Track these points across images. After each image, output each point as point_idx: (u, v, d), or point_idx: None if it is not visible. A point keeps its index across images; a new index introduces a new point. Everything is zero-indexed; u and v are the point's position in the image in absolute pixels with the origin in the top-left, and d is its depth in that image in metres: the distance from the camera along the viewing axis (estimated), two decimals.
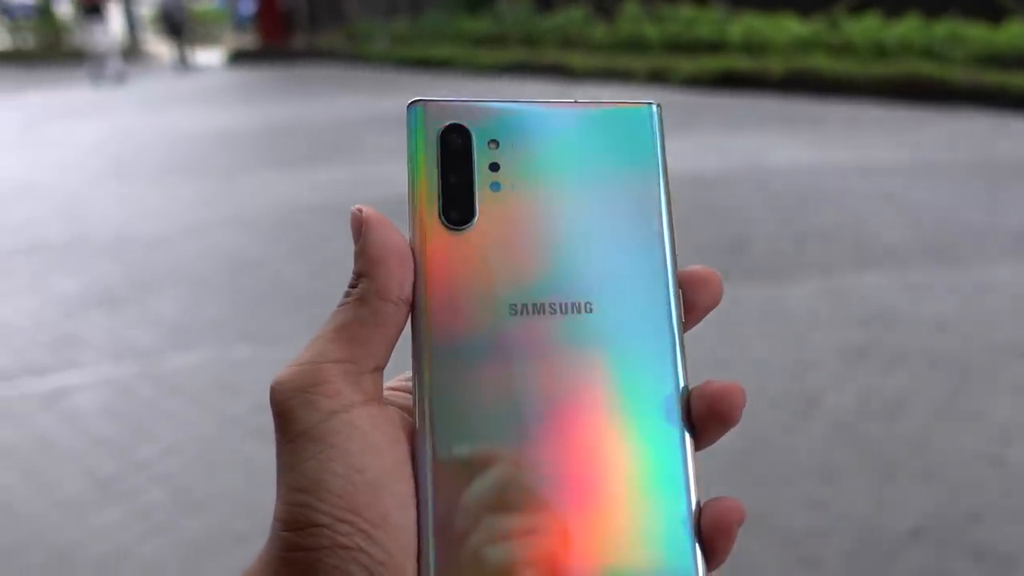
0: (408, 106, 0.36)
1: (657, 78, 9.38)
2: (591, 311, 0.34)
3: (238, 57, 16.17)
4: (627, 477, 0.33)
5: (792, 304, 3.05)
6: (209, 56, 16.84)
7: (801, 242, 3.74)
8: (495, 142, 0.36)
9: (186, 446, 2.22)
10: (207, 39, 20.29)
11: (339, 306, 0.34)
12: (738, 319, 2.89)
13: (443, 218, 0.35)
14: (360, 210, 0.35)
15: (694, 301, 0.36)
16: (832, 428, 2.20)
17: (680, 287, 0.36)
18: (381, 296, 0.33)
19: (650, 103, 0.38)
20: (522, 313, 0.34)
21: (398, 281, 0.33)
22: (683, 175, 4.95)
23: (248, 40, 19.02)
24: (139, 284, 3.48)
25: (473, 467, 0.32)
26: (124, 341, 2.91)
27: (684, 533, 0.33)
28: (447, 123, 0.36)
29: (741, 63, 9.04)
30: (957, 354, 2.60)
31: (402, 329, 0.34)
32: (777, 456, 2.09)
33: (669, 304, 0.35)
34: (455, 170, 0.35)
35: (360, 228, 0.34)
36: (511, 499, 0.32)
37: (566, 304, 0.34)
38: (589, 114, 0.37)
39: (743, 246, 3.70)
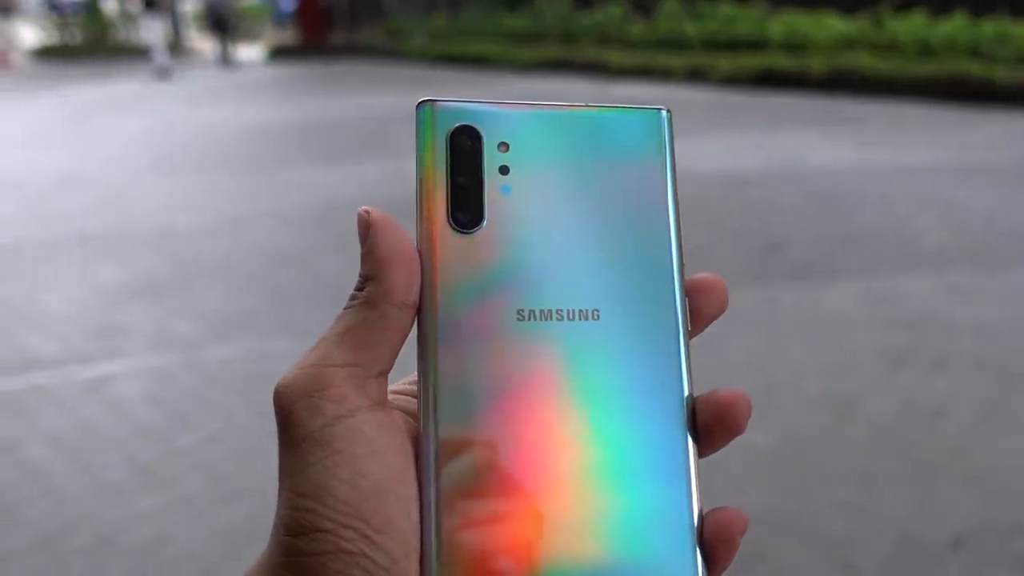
0: (417, 106, 0.36)
1: (695, 76, 9.32)
2: (597, 318, 0.34)
3: (278, 53, 16.34)
4: (631, 484, 0.33)
5: (831, 306, 3.02)
6: (249, 52, 17.04)
7: (841, 243, 3.70)
8: (505, 145, 0.35)
9: (225, 435, 2.25)
10: (248, 35, 20.53)
11: (345, 309, 0.34)
12: (776, 320, 2.86)
13: (451, 221, 0.34)
14: (367, 212, 0.34)
15: (700, 309, 0.36)
16: (871, 432, 2.17)
17: (686, 295, 0.36)
18: (389, 300, 0.33)
19: (660, 108, 0.37)
20: (529, 319, 0.34)
21: (405, 285, 0.33)
22: (721, 174, 4.92)
23: (288, 36, 19.21)
24: (181, 275, 3.54)
25: (477, 472, 0.32)
26: (166, 331, 2.96)
27: (686, 541, 0.33)
28: (457, 124, 0.35)
29: (781, 61, 8.94)
30: (1000, 359, 2.55)
31: (408, 333, 0.34)
32: (815, 459, 2.07)
33: (675, 312, 0.35)
34: (464, 172, 0.35)
35: (367, 230, 0.34)
36: (515, 504, 0.32)
37: (572, 311, 0.34)
38: (599, 118, 0.37)
39: (781, 246, 3.67)
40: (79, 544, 1.83)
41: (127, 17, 19.52)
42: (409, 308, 0.33)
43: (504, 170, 0.35)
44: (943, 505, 1.87)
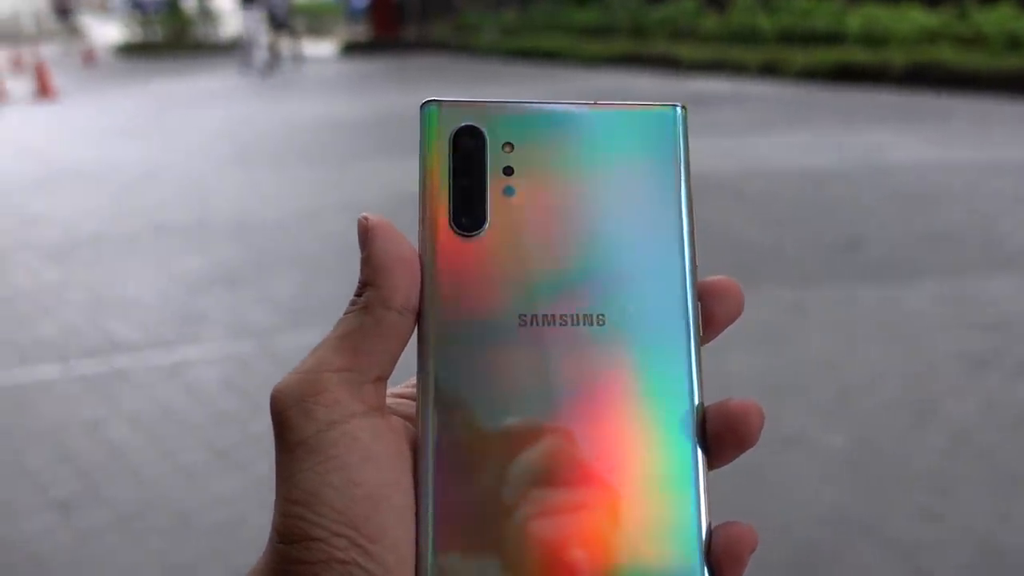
0: (421, 106, 0.35)
1: (770, 71, 9.14)
2: (602, 324, 0.33)
3: (350, 49, 16.59)
4: (636, 496, 0.32)
5: (911, 306, 2.93)
6: (322, 48, 17.34)
7: (922, 242, 3.58)
8: (510, 145, 0.34)
9: None
10: (321, 31, 20.89)
11: (344, 314, 0.33)
12: (853, 320, 2.79)
13: (453, 224, 0.34)
14: (366, 218, 0.34)
15: (713, 313, 0.34)
16: (950, 437, 2.10)
17: (699, 299, 0.35)
18: (386, 305, 0.33)
19: (674, 104, 0.36)
20: (531, 324, 0.33)
21: (404, 290, 0.33)
22: (797, 170, 4.81)
23: (361, 32, 19.50)
24: (257, 265, 3.63)
25: (476, 479, 0.32)
26: (243, 319, 3.04)
27: (693, 556, 0.32)
28: (460, 124, 0.34)
29: (859, 55, 8.70)
30: None
31: (408, 339, 0.33)
32: (890, 463, 2.01)
33: (686, 317, 0.34)
34: (467, 174, 0.34)
35: (366, 236, 0.34)
36: (515, 515, 0.32)
37: (576, 316, 0.33)
38: (609, 116, 0.35)
39: (859, 245, 3.57)
40: (157, 523, 1.89)
41: (206, 14, 20.07)
42: (409, 313, 0.33)
43: (508, 171, 0.34)
44: None
